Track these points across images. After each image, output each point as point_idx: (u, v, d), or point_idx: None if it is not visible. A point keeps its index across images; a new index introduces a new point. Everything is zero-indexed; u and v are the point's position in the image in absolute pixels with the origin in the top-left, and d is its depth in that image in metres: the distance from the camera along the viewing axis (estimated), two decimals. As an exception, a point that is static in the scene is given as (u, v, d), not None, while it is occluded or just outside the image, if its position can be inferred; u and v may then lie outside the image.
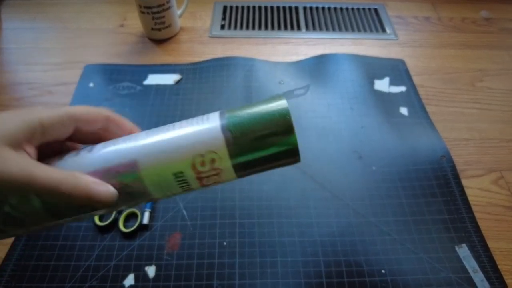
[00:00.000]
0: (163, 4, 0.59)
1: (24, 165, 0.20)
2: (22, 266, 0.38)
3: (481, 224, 0.42)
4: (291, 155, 0.22)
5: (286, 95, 0.22)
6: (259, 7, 0.73)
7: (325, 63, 0.60)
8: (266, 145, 0.21)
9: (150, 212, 0.42)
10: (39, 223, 0.23)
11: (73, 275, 0.38)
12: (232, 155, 0.21)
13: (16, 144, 0.20)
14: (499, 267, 0.39)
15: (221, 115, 0.23)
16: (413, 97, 0.55)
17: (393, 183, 0.45)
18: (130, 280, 0.38)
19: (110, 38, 0.65)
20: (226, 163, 0.22)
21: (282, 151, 0.22)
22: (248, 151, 0.22)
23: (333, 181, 0.45)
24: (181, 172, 0.22)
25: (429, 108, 0.54)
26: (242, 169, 0.22)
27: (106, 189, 0.22)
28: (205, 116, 0.23)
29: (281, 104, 0.22)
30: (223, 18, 0.70)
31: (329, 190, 0.45)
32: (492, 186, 0.46)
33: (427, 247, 0.40)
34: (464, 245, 0.40)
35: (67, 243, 0.40)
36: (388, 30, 0.68)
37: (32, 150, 0.22)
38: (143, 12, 0.60)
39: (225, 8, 0.72)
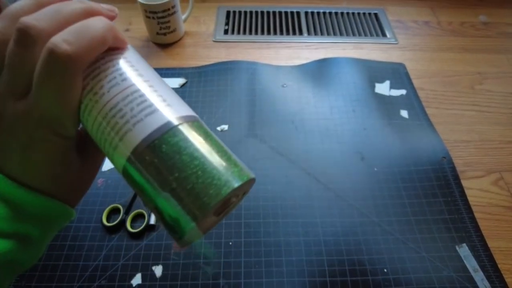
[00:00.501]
0: (168, 9, 0.61)
1: None
2: (32, 266, 0.39)
3: (481, 224, 0.43)
4: (174, 232, 0.18)
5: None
6: (262, 12, 0.74)
7: (327, 66, 0.61)
8: (161, 199, 0.17)
9: (157, 213, 0.43)
10: None
11: (82, 275, 0.38)
12: (133, 155, 0.18)
13: None
14: (499, 266, 0.40)
15: (181, 122, 0.18)
16: (413, 100, 0.56)
17: (395, 184, 0.46)
18: (137, 279, 0.38)
19: (115, 42, 0.66)
20: (119, 160, 0.18)
21: (170, 220, 0.17)
22: (143, 170, 0.18)
23: (336, 182, 0.46)
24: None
25: (429, 111, 0.55)
26: (126, 177, 0.19)
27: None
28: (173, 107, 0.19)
29: (226, 187, 0.17)
30: (227, 23, 0.71)
31: (333, 190, 0.45)
32: (492, 187, 0.47)
33: (429, 246, 0.41)
34: (464, 244, 0.41)
35: (76, 243, 0.41)
36: (388, 34, 0.69)
37: None
38: (148, 17, 0.61)
39: (228, 13, 0.73)
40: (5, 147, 0.20)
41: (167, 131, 0.18)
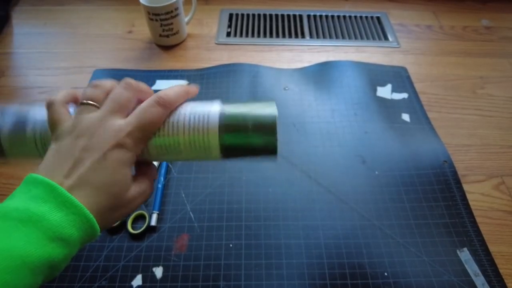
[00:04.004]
0: (171, 11, 0.61)
1: None
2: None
3: (482, 228, 0.43)
4: (270, 151, 0.27)
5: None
6: (264, 15, 0.74)
7: (328, 70, 0.61)
8: (251, 137, 0.26)
9: (158, 214, 0.43)
10: None
11: (83, 275, 0.39)
12: (221, 137, 0.26)
13: None
14: (501, 271, 0.39)
15: (222, 104, 0.28)
16: (415, 104, 0.56)
17: (396, 187, 0.46)
18: (138, 280, 0.38)
19: (119, 43, 0.67)
20: (214, 142, 0.27)
21: (262, 146, 0.27)
22: (235, 139, 0.27)
23: (338, 185, 0.46)
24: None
25: (430, 115, 0.55)
26: (227, 151, 0.27)
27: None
28: (209, 102, 0.28)
29: (272, 109, 0.27)
30: (229, 26, 0.71)
31: (334, 193, 0.45)
32: (493, 191, 0.47)
33: (430, 250, 0.41)
34: (465, 249, 0.41)
35: (77, 243, 0.41)
36: (390, 38, 0.69)
37: None
38: (151, 19, 0.62)
39: (231, 15, 0.74)
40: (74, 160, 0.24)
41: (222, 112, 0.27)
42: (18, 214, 0.21)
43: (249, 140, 0.27)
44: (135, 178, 0.28)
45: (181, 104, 0.28)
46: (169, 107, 0.27)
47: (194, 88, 0.30)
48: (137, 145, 0.26)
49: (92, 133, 0.25)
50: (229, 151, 0.27)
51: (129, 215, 0.43)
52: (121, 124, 0.25)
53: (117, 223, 0.41)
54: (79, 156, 0.24)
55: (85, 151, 0.24)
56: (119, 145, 0.25)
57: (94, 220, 0.23)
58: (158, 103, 0.26)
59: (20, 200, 0.22)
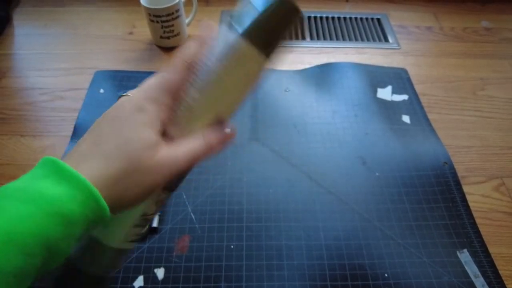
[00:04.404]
0: (172, 13, 0.61)
1: (169, 150, 0.23)
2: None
3: (482, 230, 0.43)
4: (293, 12, 0.25)
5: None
6: (265, 16, 0.74)
7: (329, 71, 0.61)
8: (276, 23, 0.24)
9: (159, 215, 0.43)
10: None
11: (84, 276, 0.39)
12: (260, 51, 0.24)
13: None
14: (500, 272, 0.40)
15: (230, 27, 0.25)
16: (415, 105, 0.57)
17: (396, 188, 0.46)
18: (139, 281, 0.39)
19: (119, 45, 0.67)
20: (257, 61, 0.25)
21: (286, 12, 0.24)
22: (266, 37, 0.24)
23: (338, 186, 0.46)
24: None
25: (431, 116, 0.55)
26: (267, 48, 0.25)
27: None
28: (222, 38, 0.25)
29: None
30: (230, 27, 0.71)
31: (334, 194, 0.46)
32: (493, 193, 0.47)
33: (430, 251, 0.41)
34: (465, 250, 0.41)
35: (79, 244, 0.41)
36: (390, 40, 0.69)
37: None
38: (152, 21, 0.62)
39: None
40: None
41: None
42: (19, 193, 0.19)
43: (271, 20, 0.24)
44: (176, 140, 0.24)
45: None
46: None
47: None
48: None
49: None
50: (265, 45, 0.25)
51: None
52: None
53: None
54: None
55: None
56: (138, 109, 0.23)
57: (99, 194, 0.20)
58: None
59: (23, 180, 0.20)
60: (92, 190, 0.20)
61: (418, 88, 0.59)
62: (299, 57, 0.65)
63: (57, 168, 0.20)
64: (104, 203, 0.20)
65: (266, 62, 0.25)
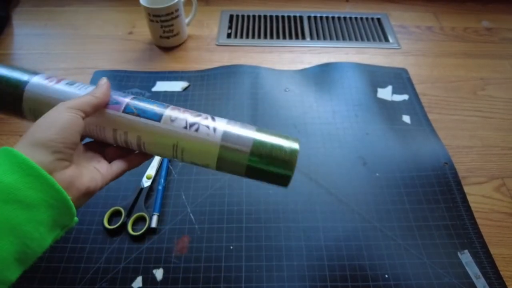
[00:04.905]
0: (172, 13, 0.61)
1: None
2: (33, 267, 0.39)
3: (483, 230, 0.43)
4: (284, 180, 0.31)
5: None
6: (265, 17, 0.74)
7: (329, 71, 0.61)
8: (272, 165, 0.30)
9: (158, 216, 0.43)
10: None
11: (83, 277, 0.38)
12: (251, 159, 0.30)
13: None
14: (502, 273, 0.39)
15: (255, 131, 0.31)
16: (415, 105, 0.56)
17: (396, 189, 0.46)
18: (138, 282, 0.38)
19: (119, 45, 0.67)
20: (244, 161, 0.30)
21: (280, 175, 0.30)
22: (260, 163, 0.30)
23: (338, 186, 0.46)
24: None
25: (431, 116, 0.55)
26: (250, 171, 0.30)
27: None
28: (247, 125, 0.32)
29: (294, 145, 0.30)
30: (230, 27, 0.71)
31: (334, 195, 0.45)
32: (494, 193, 0.47)
33: (431, 252, 0.41)
34: (466, 251, 0.41)
35: (77, 245, 0.41)
36: (391, 39, 0.69)
37: None
38: (152, 21, 0.62)
39: (231, 17, 0.74)
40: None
41: None
42: None
43: (270, 168, 0.30)
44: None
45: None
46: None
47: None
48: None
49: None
50: (253, 172, 0.30)
51: (129, 217, 0.42)
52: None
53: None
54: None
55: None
56: (68, 109, 0.26)
57: (52, 178, 0.23)
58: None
59: None
60: (45, 176, 0.23)
61: (418, 88, 0.59)
62: (299, 57, 0.65)
63: (11, 156, 0.22)
64: (59, 187, 0.23)
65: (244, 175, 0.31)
